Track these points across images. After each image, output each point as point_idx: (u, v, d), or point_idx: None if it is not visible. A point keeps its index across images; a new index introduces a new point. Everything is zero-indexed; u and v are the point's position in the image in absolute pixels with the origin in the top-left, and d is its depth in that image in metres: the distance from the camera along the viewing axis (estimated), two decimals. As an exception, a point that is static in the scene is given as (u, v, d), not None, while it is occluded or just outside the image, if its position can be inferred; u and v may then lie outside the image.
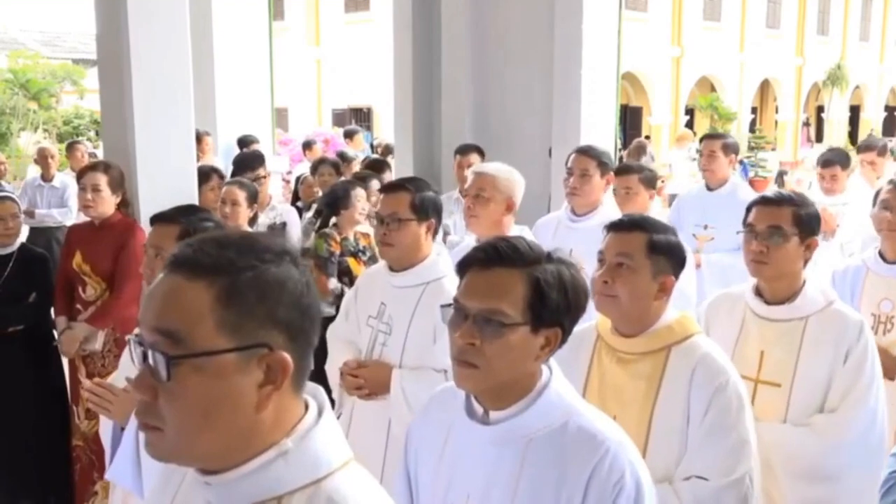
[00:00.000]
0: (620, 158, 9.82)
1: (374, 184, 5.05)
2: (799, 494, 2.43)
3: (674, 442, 2.02)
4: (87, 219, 4.02)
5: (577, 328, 2.17)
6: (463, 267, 1.62)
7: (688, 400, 2.02)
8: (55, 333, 4.00)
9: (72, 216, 7.64)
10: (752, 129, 30.17)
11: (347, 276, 4.48)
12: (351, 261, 4.51)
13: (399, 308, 2.81)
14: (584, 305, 1.64)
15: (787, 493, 2.42)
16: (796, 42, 32.75)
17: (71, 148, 9.48)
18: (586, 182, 3.67)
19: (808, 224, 2.45)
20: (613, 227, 2.15)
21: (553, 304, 1.55)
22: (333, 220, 4.66)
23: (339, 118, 25.72)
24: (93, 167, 3.96)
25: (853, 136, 33.73)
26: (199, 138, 4.77)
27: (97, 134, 16.45)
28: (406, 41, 6.31)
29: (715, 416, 1.99)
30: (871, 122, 35.95)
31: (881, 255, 3.19)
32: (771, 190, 2.91)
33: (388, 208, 2.78)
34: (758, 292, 2.54)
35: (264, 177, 5.01)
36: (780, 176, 19.93)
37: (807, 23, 32.73)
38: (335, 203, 4.59)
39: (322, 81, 27.81)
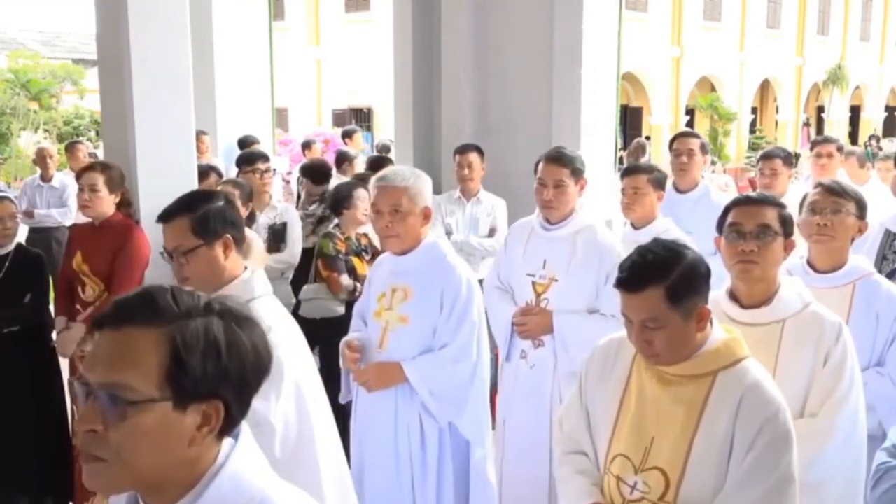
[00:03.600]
0: (621, 159, 9.82)
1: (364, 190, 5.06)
2: None
3: (712, 472, 1.94)
4: (89, 219, 4.02)
5: (615, 335, 2.17)
6: (94, 325, 1.21)
7: (732, 429, 1.93)
8: (53, 334, 4.00)
9: (71, 216, 7.64)
10: (752, 130, 30.20)
11: (353, 275, 4.49)
12: (356, 260, 4.53)
13: None
14: (261, 366, 1.25)
15: None
16: (796, 42, 32.75)
17: (71, 148, 9.47)
18: (561, 193, 3.50)
19: (789, 224, 2.41)
20: (623, 287, 1.98)
21: (197, 371, 1.17)
22: (336, 220, 4.67)
23: (339, 118, 25.73)
24: (91, 167, 3.96)
25: (853, 136, 33.74)
26: (198, 137, 4.76)
27: (97, 134, 16.45)
28: (406, 41, 6.30)
29: (760, 452, 1.90)
30: (872, 122, 35.95)
31: (809, 264, 2.93)
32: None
33: (171, 242, 2.41)
34: (732, 296, 2.44)
35: (266, 171, 5.00)
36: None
37: (807, 23, 32.74)
38: (338, 203, 4.59)
39: (322, 81, 27.82)
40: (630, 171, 4.09)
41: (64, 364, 4.06)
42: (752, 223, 2.36)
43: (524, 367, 3.59)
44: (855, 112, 36.37)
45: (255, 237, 4.18)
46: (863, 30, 35.57)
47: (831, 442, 2.31)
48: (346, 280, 4.45)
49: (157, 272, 4.01)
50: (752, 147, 26.02)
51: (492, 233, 5.26)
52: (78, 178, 4.01)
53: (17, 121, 16.96)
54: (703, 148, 4.67)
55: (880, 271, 3.31)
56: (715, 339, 2.00)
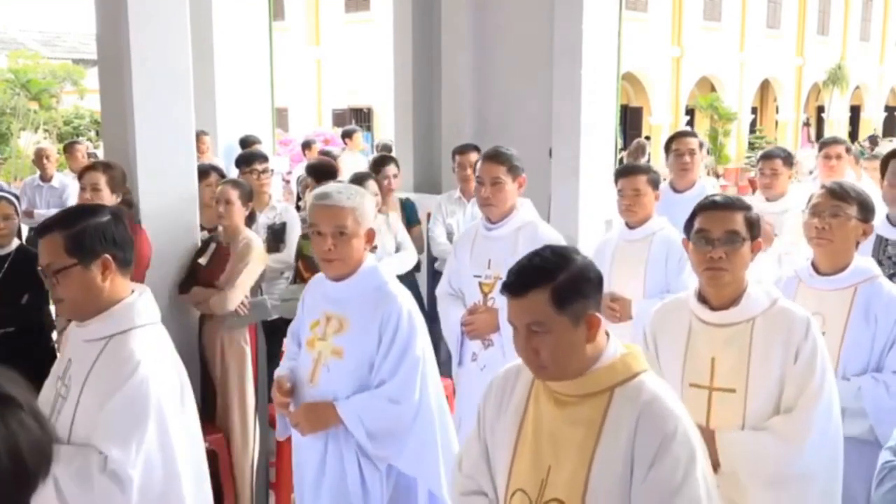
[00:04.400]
0: (621, 160, 9.81)
1: (371, 184, 5.04)
2: (768, 501, 2.36)
3: (614, 498, 1.81)
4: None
5: (514, 363, 2.05)
6: None
7: (632, 448, 1.81)
8: (54, 333, 3.99)
9: (71, 216, 7.63)
10: (752, 130, 30.19)
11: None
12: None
13: (79, 367, 2.24)
14: (36, 470, 1.10)
15: (754, 501, 2.35)
16: (796, 42, 32.73)
17: (70, 148, 9.47)
18: (499, 191, 3.53)
19: (756, 227, 2.42)
20: (509, 291, 1.87)
21: None
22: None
23: (339, 118, 25.72)
24: (93, 167, 3.97)
25: (854, 136, 33.74)
26: (198, 138, 4.76)
27: (97, 134, 16.44)
28: (406, 41, 6.31)
29: (661, 472, 1.78)
30: (872, 122, 35.94)
31: (814, 266, 2.95)
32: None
33: (43, 259, 2.19)
34: (701, 298, 2.45)
35: (264, 171, 4.99)
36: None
37: (807, 23, 32.71)
38: None
39: (322, 81, 27.80)
40: (628, 171, 4.04)
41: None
42: (719, 229, 2.37)
43: (475, 369, 3.59)
44: (855, 112, 36.35)
45: (255, 238, 4.18)
46: (863, 30, 35.55)
47: (810, 438, 2.31)
48: None
49: (157, 273, 4.01)
50: (752, 147, 26.00)
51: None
52: (80, 177, 4.01)
53: (17, 121, 16.95)
54: (702, 147, 4.71)
55: None
56: (610, 354, 1.90)
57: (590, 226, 5.15)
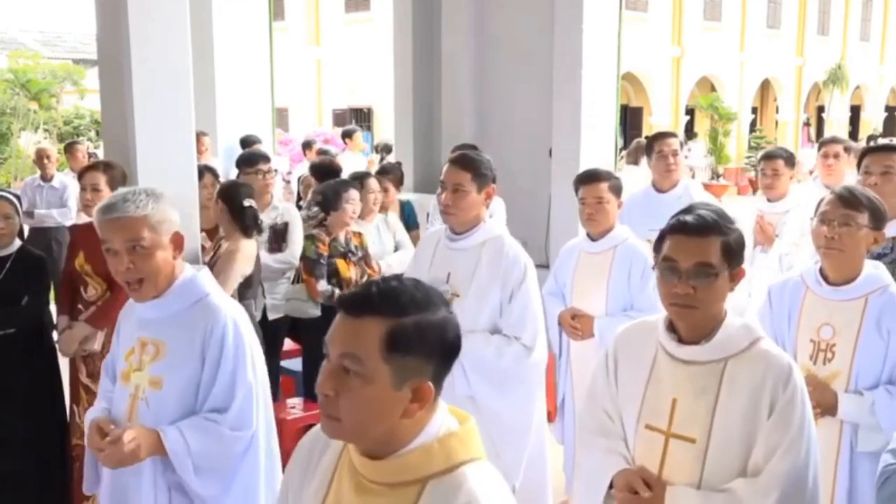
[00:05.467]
0: (621, 160, 9.81)
1: (373, 183, 5.04)
2: None
3: None
4: (89, 219, 4.02)
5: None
6: None
7: None
8: (55, 333, 3.99)
9: (71, 216, 7.64)
10: (752, 129, 30.19)
11: (336, 278, 4.46)
12: (339, 262, 4.49)
13: None
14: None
15: None
16: (796, 42, 32.74)
17: (70, 148, 9.47)
18: (460, 198, 3.19)
19: (737, 254, 2.05)
20: (342, 306, 1.43)
21: None
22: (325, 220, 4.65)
23: (340, 118, 25.73)
24: (93, 167, 3.96)
25: (854, 135, 33.74)
26: (197, 138, 4.76)
27: (97, 134, 16.44)
28: (406, 41, 6.31)
29: None
30: (872, 122, 35.96)
31: (822, 274, 2.79)
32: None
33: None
34: (671, 327, 2.11)
35: (268, 171, 4.99)
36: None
37: (807, 23, 32.72)
38: (326, 204, 4.57)
39: (322, 81, 27.81)
40: (589, 178, 3.75)
41: (63, 364, 4.05)
42: (688, 261, 2.01)
43: None
44: (855, 112, 36.36)
45: (245, 241, 4.13)
46: (863, 30, 35.56)
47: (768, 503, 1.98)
48: (322, 286, 4.42)
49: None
50: (753, 147, 26.01)
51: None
52: (80, 177, 4.01)
53: (17, 121, 16.95)
54: (682, 146, 4.71)
55: None
56: (431, 434, 1.45)
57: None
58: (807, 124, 32.98)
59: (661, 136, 4.76)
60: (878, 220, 2.74)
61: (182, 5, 4.08)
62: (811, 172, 8.94)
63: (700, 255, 2.01)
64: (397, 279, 1.47)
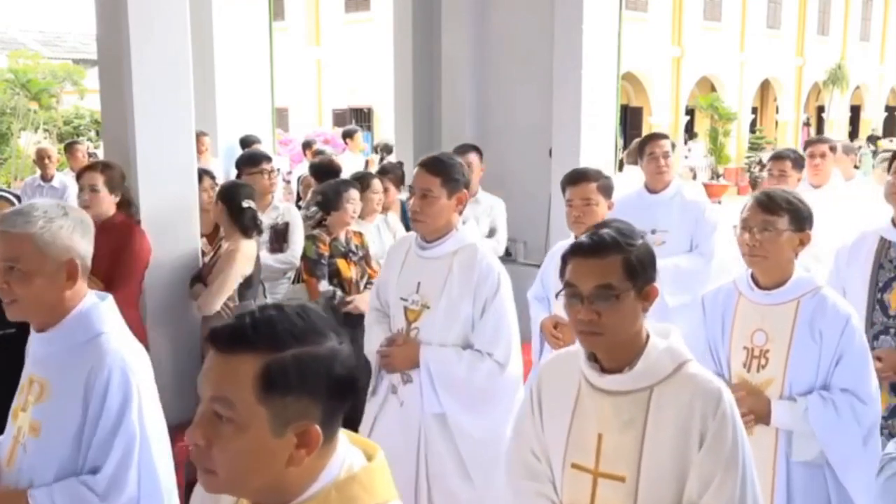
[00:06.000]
0: (621, 160, 9.81)
1: (375, 183, 5.04)
2: None
3: None
4: (89, 219, 4.01)
5: None
6: None
7: None
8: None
9: (71, 216, 7.64)
10: (752, 129, 30.20)
11: (336, 278, 4.45)
12: (340, 262, 4.48)
13: None
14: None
15: None
16: (796, 42, 32.75)
17: (70, 148, 9.49)
18: (429, 204, 3.02)
19: (642, 271, 1.89)
20: (212, 342, 1.25)
21: None
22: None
23: (340, 118, 25.73)
24: (91, 167, 3.96)
25: (853, 136, 33.75)
26: (197, 138, 4.76)
27: (97, 134, 16.44)
28: (406, 41, 6.31)
29: None
30: (872, 122, 35.97)
31: (753, 278, 2.73)
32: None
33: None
34: (593, 356, 1.96)
35: (271, 171, 4.99)
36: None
37: (807, 23, 32.73)
38: (326, 204, 4.57)
39: (322, 81, 27.81)
40: (576, 178, 3.58)
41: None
42: (588, 283, 1.86)
43: (394, 403, 3.22)
44: (855, 112, 36.37)
45: (245, 242, 4.13)
46: (863, 30, 35.56)
47: None
48: (324, 286, 4.42)
49: (156, 272, 4.02)
50: (753, 147, 26.01)
51: (491, 233, 5.25)
52: (78, 177, 4.01)
53: (17, 121, 16.93)
54: (674, 147, 4.62)
55: (877, 282, 3.20)
56: (329, 478, 1.28)
57: (590, 226, 5.15)
58: (807, 124, 32.99)
59: (653, 137, 4.71)
60: (800, 221, 2.65)
61: (182, 5, 4.08)
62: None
63: (599, 276, 1.86)
64: (277, 308, 1.27)
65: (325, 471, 1.28)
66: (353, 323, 4.48)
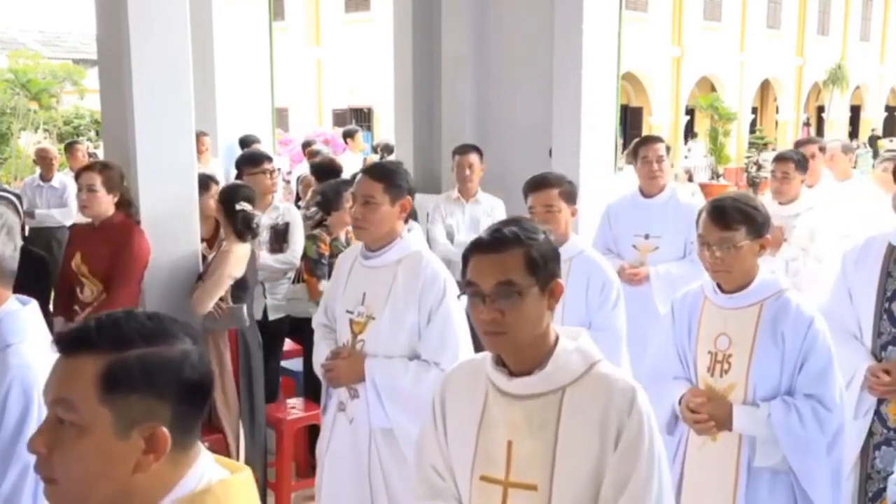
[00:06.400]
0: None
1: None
2: None
3: None
4: (89, 219, 4.02)
5: None
6: None
7: None
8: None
9: (72, 216, 7.65)
10: (752, 129, 30.21)
11: (337, 279, 4.48)
12: (339, 262, 4.51)
13: None
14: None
15: None
16: (796, 42, 32.76)
17: (70, 148, 9.49)
18: (371, 211, 2.93)
19: (545, 266, 1.78)
20: (59, 347, 1.25)
21: None
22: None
23: (340, 118, 25.73)
24: (89, 167, 3.96)
25: (854, 135, 33.75)
26: (197, 138, 4.76)
27: (97, 134, 16.43)
28: (406, 41, 6.31)
29: None
30: (872, 122, 35.97)
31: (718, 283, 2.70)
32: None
33: None
34: (500, 360, 1.86)
35: (273, 171, 4.98)
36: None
37: (807, 23, 32.75)
38: (326, 204, 4.57)
39: (322, 81, 27.82)
40: (537, 185, 3.40)
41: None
42: (488, 281, 1.76)
43: (343, 420, 3.11)
44: (855, 112, 36.37)
45: (239, 245, 4.11)
46: (863, 30, 35.56)
47: None
48: (324, 285, 4.42)
49: (156, 272, 4.01)
50: (753, 147, 26.01)
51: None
52: (76, 178, 4.00)
53: (17, 121, 16.93)
54: (668, 151, 4.57)
55: (884, 290, 3.09)
56: (184, 492, 1.25)
57: (590, 226, 5.14)
58: (807, 124, 32.98)
59: (647, 140, 4.65)
60: (757, 227, 2.59)
61: (182, 5, 4.07)
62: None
63: (500, 272, 1.75)
64: (128, 312, 1.26)
65: (181, 483, 1.24)
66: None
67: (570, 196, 3.43)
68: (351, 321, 3.05)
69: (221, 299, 4.01)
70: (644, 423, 1.77)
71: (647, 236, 4.43)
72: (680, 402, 2.71)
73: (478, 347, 2.36)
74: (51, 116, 18.40)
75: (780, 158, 4.94)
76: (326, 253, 4.47)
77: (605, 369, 1.83)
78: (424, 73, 6.25)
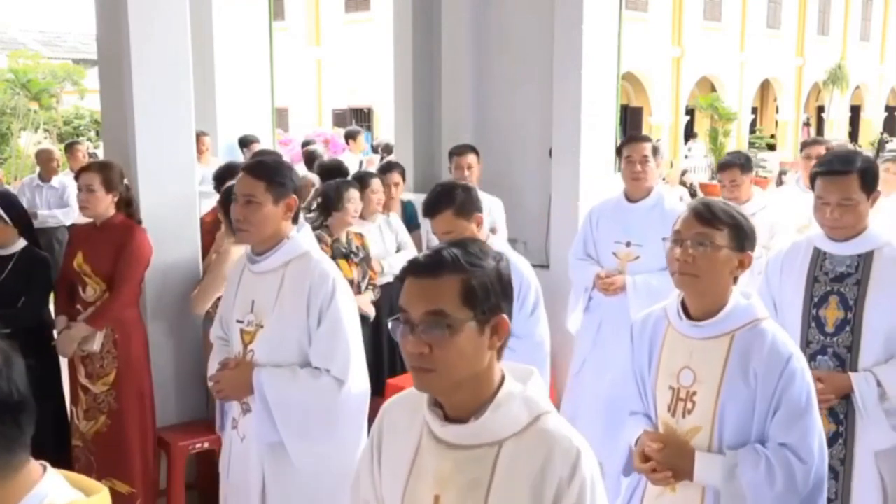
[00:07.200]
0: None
1: (375, 183, 5.04)
2: None
3: None
4: (89, 219, 4.02)
5: None
6: None
7: None
8: (54, 334, 3.99)
9: (73, 216, 7.65)
10: (752, 129, 30.22)
11: (338, 279, 4.46)
12: (342, 263, 4.48)
13: None
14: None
15: None
16: (796, 42, 32.77)
17: (70, 148, 9.49)
18: (253, 211, 2.75)
19: (485, 299, 1.53)
20: None
21: None
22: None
23: (340, 118, 25.74)
24: (88, 167, 3.96)
25: (854, 135, 33.77)
26: (197, 138, 4.76)
27: (97, 134, 16.44)
28: (406, 41, 6.31)
29: None
30: (872, 121, 35.98)
31: (683, 305, 2.32)
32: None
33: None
34: (436, 400, 1.63)
35: None
36: (780, 176, 19.96)
37: (807, 23, 32.76)
38: (327, 205, 4.57)
39: (322, 81, 27.83)
40: (431, 210, 3.13)
41: (63, 364, 4.05)
42: (417, 309, 1.52)
43: (236, 439, 2.93)
44: (855, 112, 36.37)
45: (234, 248, 4.08)
46: (863, 30, 35.57)
47: None
48: None
49: (157, 272, 4.01)
50: (753, 147, 26.01)
51: (491, 233, 5.24)
52: (76, 178, 4.00)
53: (17, 121, 16.93)
54: (655, 152, 4.23)
55: (812, 296, 2.89)
56: None
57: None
58: (807, 124, 32.99)
59: (630, 140, 4.30)
60: (741, 239, 2.25)
61: (182, 5, 4.07)
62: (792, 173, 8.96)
63: (431, 300, 1.51)
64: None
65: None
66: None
67: (465, 209, 3.11)
68: (241, 331, 2.86)
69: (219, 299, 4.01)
70: (587, 493, 1.52)
71: (628, 244, 4.15)
72: (637, 444, 2.37)
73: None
74: (51, 116, 18.41)
75: (725, 167, 4.84)
76: (328, 254, 4.47)
77: (551, 424, 1.57)
78: (424, 73, 6.25)
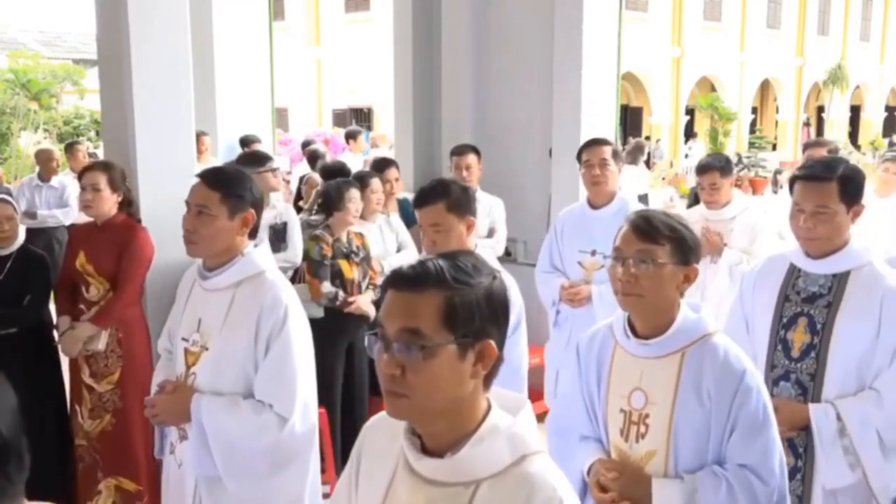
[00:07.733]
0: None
1: (375, 182, 5.04)
2: None
3: None
4: (90, 219, 4.02)
5: None
6: None
7: None
8: (55, 333, 3.99)
9: (73, 216, 7.65)
10: (752, 130, 30.23)
11: (339, 279, 4.46)
12: (342, 263, 4.49)
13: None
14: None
15: None
16: (796, 42, 32.78)
17: (70, 148, 9.49)
18: (204, 224, 2.54)
19: (469, 321, 1.37)
20: None
21: None
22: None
23: (340, 118, 25.75)
24: (93, 167, 3.96)
25: (854, 135, 33.79)
26: (197, 138, 4.76)
27: (97, 134, 16.45)
28: (406, 41, 6.31)
29: None
30: (872, 121, 36.00)
31: (630, 322, 2.19)
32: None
33: None
34: (414, 430, 1.47)
35: (276, 169, 4.99)
36: (775, 175, 20.01)
37: (807, 23, 32.78)
38: (328, 205, 4.57)
39: (322, 81, 27.84)
40: (422, 201, 2.88)
41: (64, 363, 4.05)
42: (394, 324, 1.38)
43: (173, 464, 2.75)
44: (855, 112, 36.39)
45: None
46: (863, 30, 35.58)
47: None
48: (326, 287, 4.41)
49: (158, 272, 4.01)
50: (753, 147, 26.02)
51: (491, 233, 5.25)
52: (80, 177, 4.01)
53: (17, 121, 16.94)
54: (616, 156, 4.05)
55: (781, 317, 2.68)
56: None
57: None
58: (807, 124, 33.00)
59: (589, 143, 4.11)
60: (685, 252, 2.12)
61: (182, 5, 4.07)
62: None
63: (407, 317, 1.36)
64: None
65: None
66: (356, 324, 4.50)
67: (460, 208, 2.88)
68: (186, 350, 2.65)
69: None
70: None
71: (593, 252, 3.98)
72: (590, 473, 2.23)
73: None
74: (51, 116, 18.42)
75: (704, 169, 4.71)
76: (329, 254, 4.47)
77: (535, 467, 1.40)
78: (424, 73, 6.26)
